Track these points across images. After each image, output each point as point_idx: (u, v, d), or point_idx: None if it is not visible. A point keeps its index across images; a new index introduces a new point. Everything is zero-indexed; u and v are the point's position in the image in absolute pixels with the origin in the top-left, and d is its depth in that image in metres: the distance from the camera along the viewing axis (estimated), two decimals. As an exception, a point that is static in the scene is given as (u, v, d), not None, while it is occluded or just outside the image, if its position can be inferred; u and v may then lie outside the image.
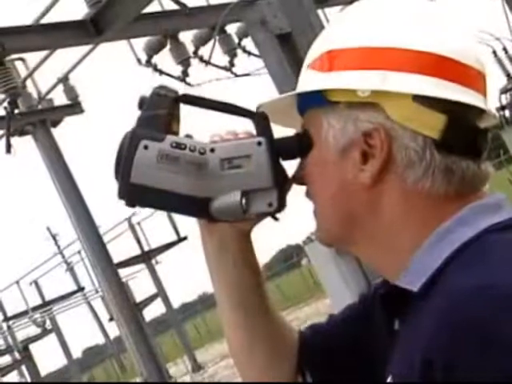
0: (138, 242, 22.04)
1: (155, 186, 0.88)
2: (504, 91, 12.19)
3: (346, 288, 6.36)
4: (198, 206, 0.90)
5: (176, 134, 0.93)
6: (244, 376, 1.02)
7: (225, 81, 8.94)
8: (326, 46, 0.86)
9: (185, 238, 22.72)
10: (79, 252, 27.16)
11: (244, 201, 0.88)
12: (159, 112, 0.89)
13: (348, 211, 0.83)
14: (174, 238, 22.46)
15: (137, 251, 22.01)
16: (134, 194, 0.90)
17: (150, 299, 23.32)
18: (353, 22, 0.85)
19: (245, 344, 1.00)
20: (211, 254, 0.99)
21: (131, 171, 0.88)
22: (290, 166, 0.94)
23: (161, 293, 22.27)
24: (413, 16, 0.83)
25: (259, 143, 0.89)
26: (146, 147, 0.88)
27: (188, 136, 0.93)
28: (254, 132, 0.92)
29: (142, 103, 0.91)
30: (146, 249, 22.09)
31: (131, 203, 0.91)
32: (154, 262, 22.36)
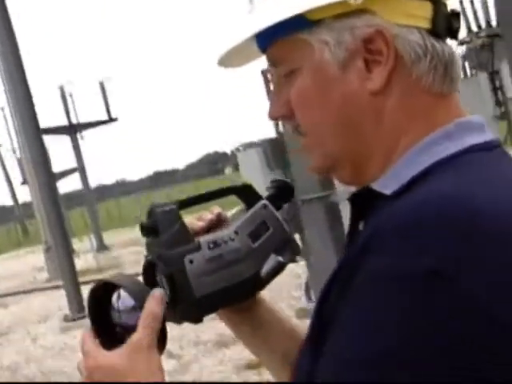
0: (67, 113, 21.55)
1: (216, 288, 0.92)
2: (461, 43, 12.23)
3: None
4: (252, 285, 0.96)
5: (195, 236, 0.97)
6: None
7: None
8: None
9: (115, 119, 22.38)
10: (2, 109, 26.35)
11: (280, 258, 0.96)
12: (177, 226, 0.93)
13: (355, 127, 0.80)
14: (104, 117, 22.08)
15: (64, 122, 21.54)
16: (202, 307, 0.93)
17: (69, 172, 23.04)
18: None
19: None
20: (252, 335, 1.02)
21: (192, 289, 0.91)
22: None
23: (80, 169, 22.00)
24: None
25: (265, 206, 0.98)
26: (191, 261, 0.91)
27: (220, 215, 1.00)
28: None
29: (152, 228, 0.93)
30: (74, 121, 21.65)
31: (202, 316, 0.95)
32: (79, 136, 21.94)
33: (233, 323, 1.02)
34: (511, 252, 0.66)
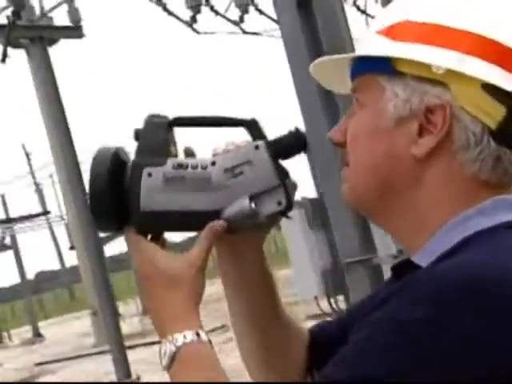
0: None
1: (166, 208, 0.90)
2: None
3: (309, 261, 6.47)
4: (211, 220, 0.91)
5: (175, 156, 0.95)
6: (254, 376, 1.05)
7: (232, 36, 8.84)
8: (401, 15, 0.86)
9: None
10: (51, 176, 26.99)
11: (253, 205, 0.90)
12: (156, 139, 0.92)
13: (389, 181, 0.85)
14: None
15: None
16: (146, 222, 0.92)
17: (113, 236, 23.27)
18: None
19: (258, 352, 1.03)
20: (230, 273, 1.01)
21: (140, 200, 0.90)
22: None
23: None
24: (492, 4, 0.84)
25: (257, 147, 0.92)
26: (149, 174, 0.91)
27: (188, 151, 0.96)
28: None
29: (138, 135, 0.93)
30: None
31: (144, 231, 0.93)
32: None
33: (234, 244, 0.98)
34: None
